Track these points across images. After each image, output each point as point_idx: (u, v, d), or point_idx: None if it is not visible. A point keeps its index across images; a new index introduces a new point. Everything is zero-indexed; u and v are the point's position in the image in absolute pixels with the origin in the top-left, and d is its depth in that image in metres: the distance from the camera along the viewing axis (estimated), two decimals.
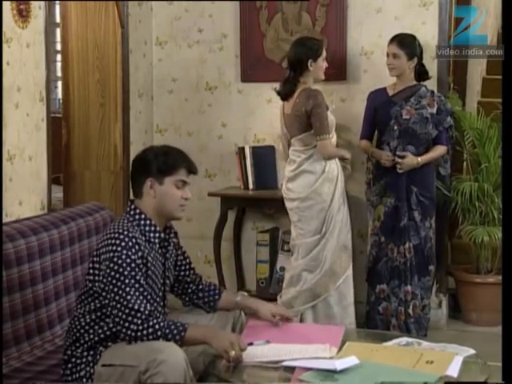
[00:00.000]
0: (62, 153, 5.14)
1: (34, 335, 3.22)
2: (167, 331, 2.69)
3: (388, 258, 4.65)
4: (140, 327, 2.68)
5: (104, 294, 2.77)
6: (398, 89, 4.67)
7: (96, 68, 5.08)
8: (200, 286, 3.15)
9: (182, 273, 3.12)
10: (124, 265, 2.72)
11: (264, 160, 5.21)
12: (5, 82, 3.79)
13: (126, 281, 2.71)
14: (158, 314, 2.75)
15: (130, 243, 2.75)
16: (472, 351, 2.89)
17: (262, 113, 5.30)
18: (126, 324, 2.69)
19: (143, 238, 2.83)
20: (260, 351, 2.82)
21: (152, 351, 2.62)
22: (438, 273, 4.91)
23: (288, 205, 4.61)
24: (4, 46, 3.78)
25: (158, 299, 2.90)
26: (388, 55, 4.62)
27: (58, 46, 6.74)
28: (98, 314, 2.82)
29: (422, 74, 4.67)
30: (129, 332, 2.69)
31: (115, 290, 2.71)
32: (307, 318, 4.56)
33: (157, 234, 2.89)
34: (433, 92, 4.68)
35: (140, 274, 2.75)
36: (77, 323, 2.86)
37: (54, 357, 3.14)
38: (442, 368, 2.66)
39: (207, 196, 5.25)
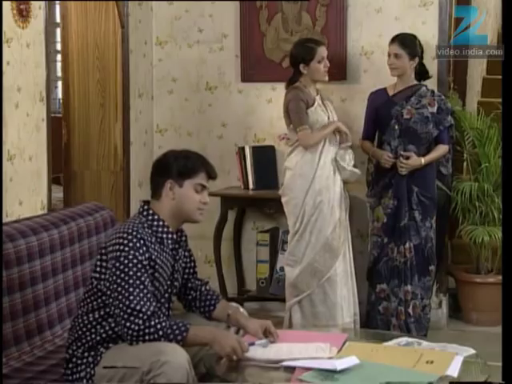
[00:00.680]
0: (62, 153, 5.15)
1: (34, 335, 3.22)
2: (169, 331, 2.69)
3: (388, 258, 4.65)
4: (141, 327, 2.68)
5: (108, 292, 2.77)
6: (399, 89, 4.67)
7: (96, 68, 5.09)
8: (199, 294, 3.12)
9: (186, 276, 3.12)
10: (130, 265, 2.73)
11: (264, 160, 5.22)
12: (5, 82, 3.78)
13: (131, 281, 2.71)
14: (160, 315, 2.74)
15: (138, 244, 2.76)
16: (472, 351, 2.89)
17: (262, 113, 5.30)
18: (128, 324, 2.69)
19: (154, 239, 2.84)
20: (260, 351, 2.82)
21: (155, 352, 2.62)
22: (438, 273, 4.91)
23: None
24: (4, 45, 3.78)
25: (162, 300, 2.90)
26: (389, 55, 4.62)
27: (58, 46, 6.74)
28: (101, 312, 2.82)
29: (422, 73, 4.67)
30: (130, 332, 2.69)
31: (119, 289, 2.72)
32: (294, 317, 4.59)
33: (169, 235, 2.90)
34: (433, 91, 4.68)
35: (146, 275, 2.75)
36: (79, 321, 2.86)
37: (54, 357, 3.14)
38: (442, 368, 2.66)
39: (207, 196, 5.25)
